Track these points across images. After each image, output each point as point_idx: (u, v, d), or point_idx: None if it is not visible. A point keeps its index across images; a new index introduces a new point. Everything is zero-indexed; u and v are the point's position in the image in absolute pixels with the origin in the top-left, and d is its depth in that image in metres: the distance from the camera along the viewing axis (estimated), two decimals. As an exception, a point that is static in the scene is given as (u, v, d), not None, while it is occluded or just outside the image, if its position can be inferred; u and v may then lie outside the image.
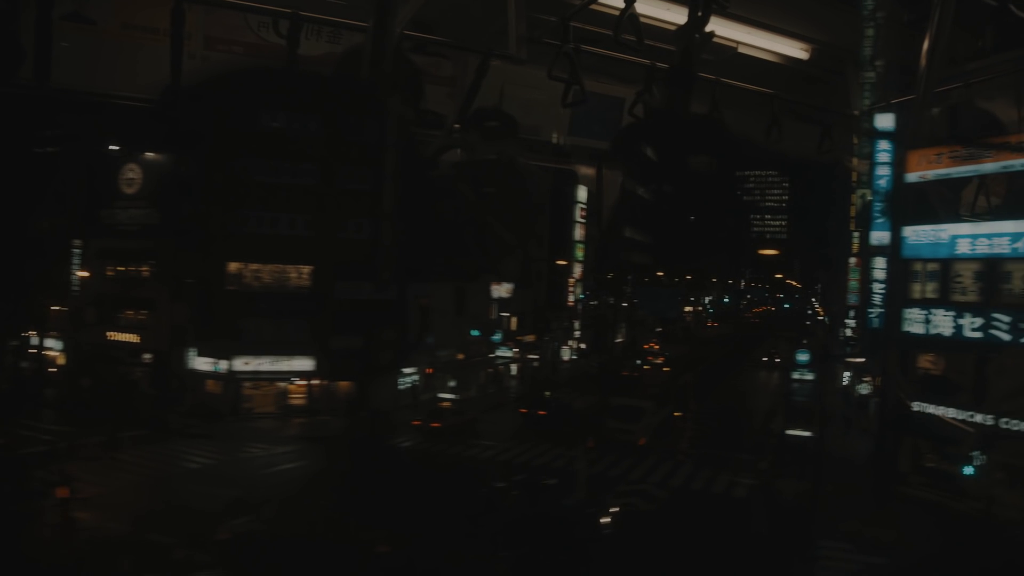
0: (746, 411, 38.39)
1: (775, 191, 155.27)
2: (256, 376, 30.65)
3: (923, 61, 14.41)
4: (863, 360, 34.09)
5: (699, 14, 9.15)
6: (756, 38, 23.33)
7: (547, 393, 37.58)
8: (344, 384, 32.24)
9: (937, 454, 23.99)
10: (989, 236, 22.17)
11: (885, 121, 26.64)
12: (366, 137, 30.78)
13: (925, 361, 26.66)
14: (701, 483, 23.70)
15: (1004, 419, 21.86)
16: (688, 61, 9.53)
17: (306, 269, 31.47)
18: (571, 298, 51.90)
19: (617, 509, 19.09)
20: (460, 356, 38.27)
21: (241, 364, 30.15)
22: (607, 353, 53.86)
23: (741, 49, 24.43)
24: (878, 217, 27.60)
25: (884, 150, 27.22)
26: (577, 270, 53.28)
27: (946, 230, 23.41)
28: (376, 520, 17.07)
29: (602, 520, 18.26)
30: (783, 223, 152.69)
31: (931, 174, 24.01)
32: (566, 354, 51.65)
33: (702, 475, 24.51)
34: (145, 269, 32.70)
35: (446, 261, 36.02)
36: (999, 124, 22.91)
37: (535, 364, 44.81)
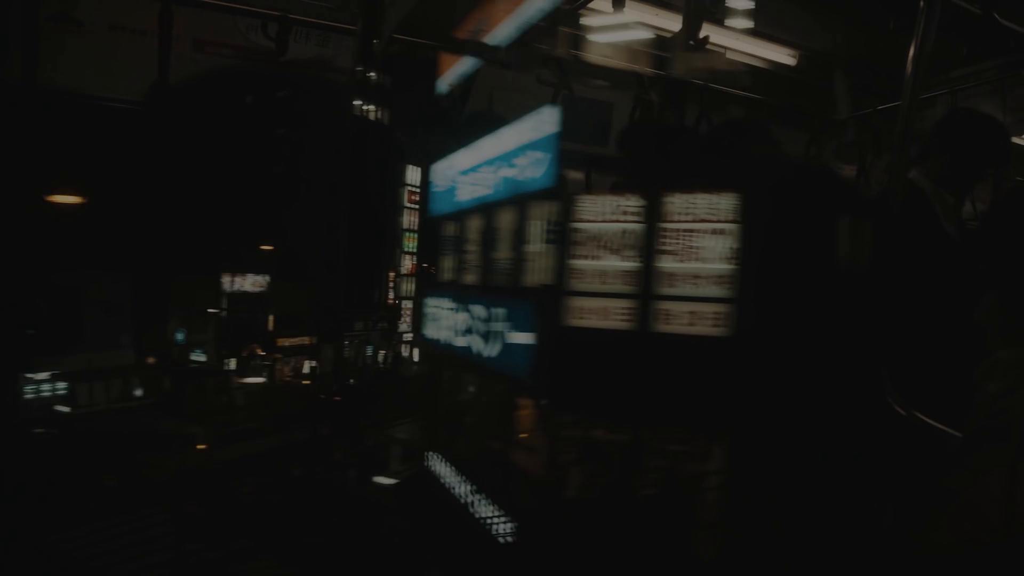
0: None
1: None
2: None
3: (908, 68, 11.32)
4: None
5: (692, 21, 7.32)
6: (744, 44, 18.16)
7: None
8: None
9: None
10: (470, 170, 12.07)
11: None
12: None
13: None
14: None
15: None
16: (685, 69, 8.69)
17: None
18: (391, 295, 44.79)
19: None
20: (151, 360, 32.36)
21: None
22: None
23: (728, 55, 19.71)
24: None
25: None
26: (407, 263, 46.10)
27: (454, 165, 13.01)
28: None
29: None
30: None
31: (452, 75, 15.06)
32: (382, 359, 44.68)
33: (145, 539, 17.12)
34: None
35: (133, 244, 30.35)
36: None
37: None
